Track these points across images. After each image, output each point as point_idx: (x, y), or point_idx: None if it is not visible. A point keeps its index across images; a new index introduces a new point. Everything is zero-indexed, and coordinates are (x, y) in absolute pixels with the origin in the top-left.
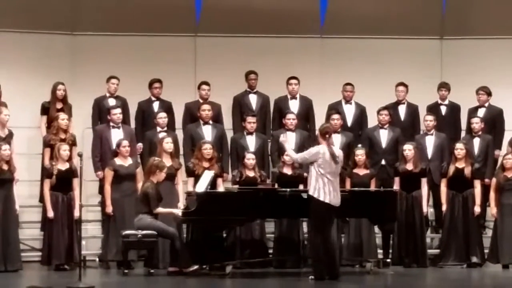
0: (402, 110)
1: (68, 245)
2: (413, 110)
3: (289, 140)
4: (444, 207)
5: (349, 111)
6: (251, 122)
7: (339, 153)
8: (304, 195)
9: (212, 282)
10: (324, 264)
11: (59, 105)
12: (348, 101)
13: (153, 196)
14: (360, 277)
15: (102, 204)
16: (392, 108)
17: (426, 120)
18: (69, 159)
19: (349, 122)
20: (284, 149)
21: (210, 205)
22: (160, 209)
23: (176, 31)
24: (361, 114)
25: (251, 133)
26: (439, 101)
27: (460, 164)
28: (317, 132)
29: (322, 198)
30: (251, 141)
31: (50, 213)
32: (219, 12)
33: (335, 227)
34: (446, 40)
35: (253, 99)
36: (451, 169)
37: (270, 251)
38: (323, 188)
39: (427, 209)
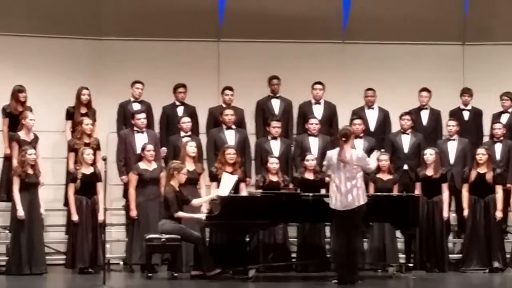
0: (425, 115)
1: (92, 249)
2: (435, 115)
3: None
4: (465, 212)
5: (372, 116)
6: (275, 127)
7: (356, 155)
8: (327, 200)
9: (235, 286)
10: (346, 267)
11: (83, 110)
12: (370, 106)
13: (173, 201)
14: (383, 282)
15: (126, 208)
16: (414, 113)
17: (449, 125)
18: (93, 163)
19: (372, 127)
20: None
21: (233, 209)
22: (181, 214)
23: (200, 36)
24: (384, 118)
25: (275, 138)
26: (462, 106)
27: (482, 169)
28: None
29: (331, 205)
30: (276, 146)
31: (75, 217)
32: (242, 17)
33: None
34: (468, 46)
35: (276, 104)
36: (473, 174)
37: (293, 255)
38: (332, 193)
39: (449, 214)
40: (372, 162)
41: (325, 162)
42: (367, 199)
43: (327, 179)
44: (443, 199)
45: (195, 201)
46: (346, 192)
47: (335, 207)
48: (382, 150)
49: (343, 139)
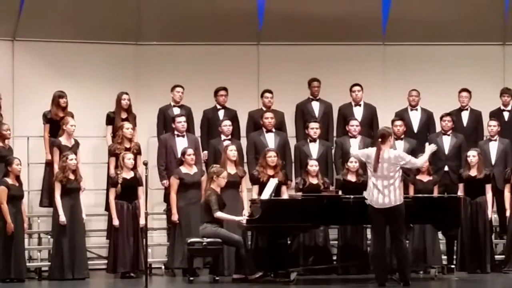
0: (465, 116)
1: (133, 253)
2: (476, 116)
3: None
4: (508, 213)
5: (415, 117)
6: (314, 128)
7: (394, 155)
8: (367, 201)
9: None
10: (385, 268)
11: (123, 115)
12: (414, 107)
13: (214, 201)
14: (425, 283)
15: (168, 212)
16: (455, 114)
17: (490, 126)
18: (134, 168)
19: (415, 128)
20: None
21: (274, 212)
22: (221, 214)
23: (239, 40)
24: (427, 119)
25: (314, 140)
26: (502, 107)
27: None
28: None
29: (368, 202)
30: (314, 148)
31: (116, 222)
32: (282, 20)
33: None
34: (508, 46)
35: (315, 107)
36: None
37: (334, 257)
38: (369, 191)
39: (491, 215)
40: (423, 157)
41: (362, 158)
42: (403, 200)
43: None
44: (486, 200)
45: (220, 214)
46: (382, 191)
47: (370, 203)
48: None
49: (380, 139)
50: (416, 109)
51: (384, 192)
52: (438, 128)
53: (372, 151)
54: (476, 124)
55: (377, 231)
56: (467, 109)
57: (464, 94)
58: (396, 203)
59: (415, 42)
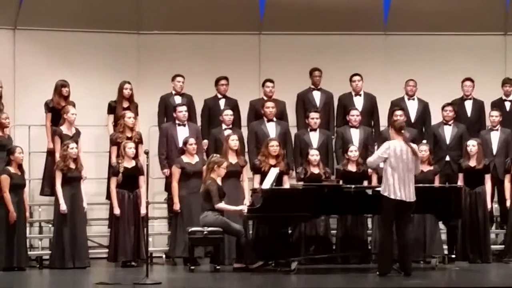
0: (468, 105)
1: (134, 242)
2: (479, 106)
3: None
4: (508, 203)
5: (412, 107)
6: (314, 118)
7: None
8: (369, 192)
9: (277, 278)
10: (391, 260)
11: (125, 104)
12: (410, 97)
13: (215, 192)
14: (425, 273)
15: (169, 201)
16: (457, 104)
17: (492, 116)
18: (135, 157)
19: (412, 118)
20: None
21: (275, 202)
22: (222, 205)
23: (241, 29)
24: (424, 109)
25: (314, 130)
26: (503, 97)
27: None
28: (382, 128)
29: (393, 196)
30: (315, 137)
31: (117, 211)
32: (283, 10)
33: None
34: (510, 36)
35: (317, 96)
36: None
37: (334, 247)
38: (393, 184)
39: (492, 205)
40: None
41: (382, 154)
42: None
43: (370, 171)
44: (486, 190)
45: (220, 205)
46: (410, 184)
47: (406, 199)
48: (424, 141)
49: (402, 131)
50: (413, 99)
51: (410, 186)
52: (434, 118)
53: (393, 145)
54: (479, 114)
55: (389, 224)
56: (470, 99)
57: (468, 83)
58: (415, 197)
59: (416, 32)
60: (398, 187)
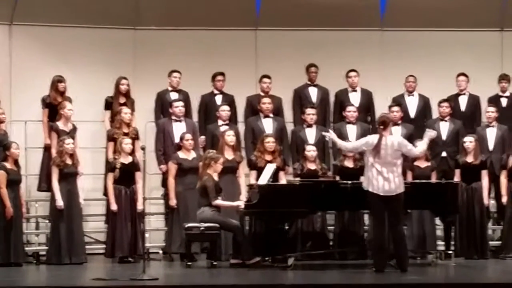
0: (463, 101)
1: (131, 238)
2: (474, 101)
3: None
4: (504, 199)
5: (412, 103)
6: (310, 114)
7: (397, 141)
8: (364, 185)
9: (274, 274)
10: (386, 255)
11: (122, 100)
12: (410, 93)
13: (212, 188)
14: (422, 269)
15: (165, 197)
16: (453, 99)
17: (488, 112)
18: (132, 153)
19: (412, 113)
20: (335, 142)
21: (272, 198)
22: (219, 202)
23: (237, 25)
24: (424, 105)
25: (310, 126)
26: (500, 93)
27: None
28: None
29: (371, 189)
30: (311, 134)
31: (113, 206)
32: (280, 6)
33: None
34: (506, 32)
35: (313, 92)
36: (511, 161)
37: (331, 243)
38: (372, 178)
39: (489, 201)
40: (421, 145)
41: (362, 146)
42: (404, 187)
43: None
44: (482, 186)
45: (217, 202)
46: (387, 178)
47: (376, 192)
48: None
49: (381, 126)
50: (413, 95)
51: (390, 179)
52: (434, 114)
53: (373, 138)
54: (474, 109)
55: (378, 218)
56: (465, 94)
57: (462, 78)
58: (401, 190)
59: (413, 28)
60: (377, 180)
